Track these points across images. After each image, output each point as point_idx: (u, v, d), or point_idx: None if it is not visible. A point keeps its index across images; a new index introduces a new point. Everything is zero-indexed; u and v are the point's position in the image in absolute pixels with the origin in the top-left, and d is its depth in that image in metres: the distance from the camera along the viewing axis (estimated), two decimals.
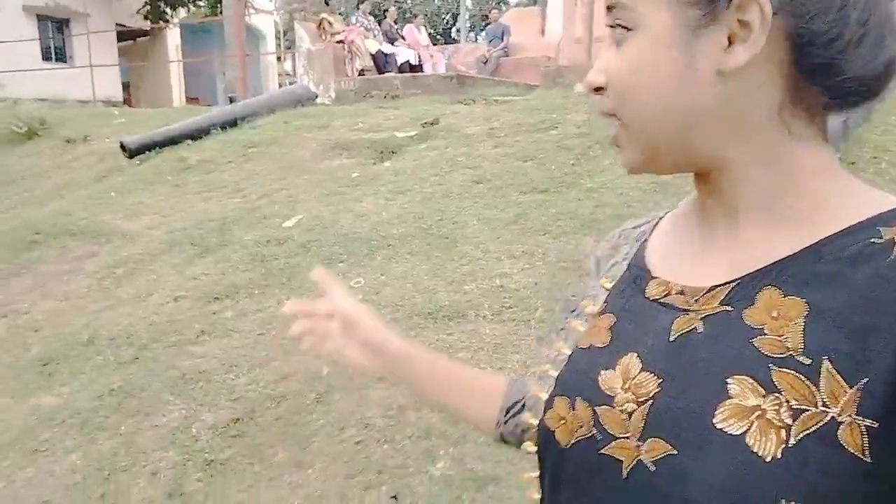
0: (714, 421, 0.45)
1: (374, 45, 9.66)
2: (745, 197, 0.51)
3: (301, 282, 3.43)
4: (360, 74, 9.51)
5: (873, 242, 0.46)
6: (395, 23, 10.59)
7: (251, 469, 2.35)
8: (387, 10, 11.03)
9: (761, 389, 0.45)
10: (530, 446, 0.62)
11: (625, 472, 0.50)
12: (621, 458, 0.50)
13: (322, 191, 4.84)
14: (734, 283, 0.50)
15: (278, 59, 21.40)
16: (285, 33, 23.42)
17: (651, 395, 0.50)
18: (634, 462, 0.49)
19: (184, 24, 18.95)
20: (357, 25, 9.86)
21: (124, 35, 17.74)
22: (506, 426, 0.74)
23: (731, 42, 0.47)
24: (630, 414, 0.51)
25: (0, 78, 13.39)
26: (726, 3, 0.47)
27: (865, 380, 0.42)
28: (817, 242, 0.48)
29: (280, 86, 17.75)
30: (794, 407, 0.43)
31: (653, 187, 3.79)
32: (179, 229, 4.41)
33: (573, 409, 0.56)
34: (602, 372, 0.55)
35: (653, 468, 0.48)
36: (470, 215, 3.96)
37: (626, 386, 0.52)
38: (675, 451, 0.47)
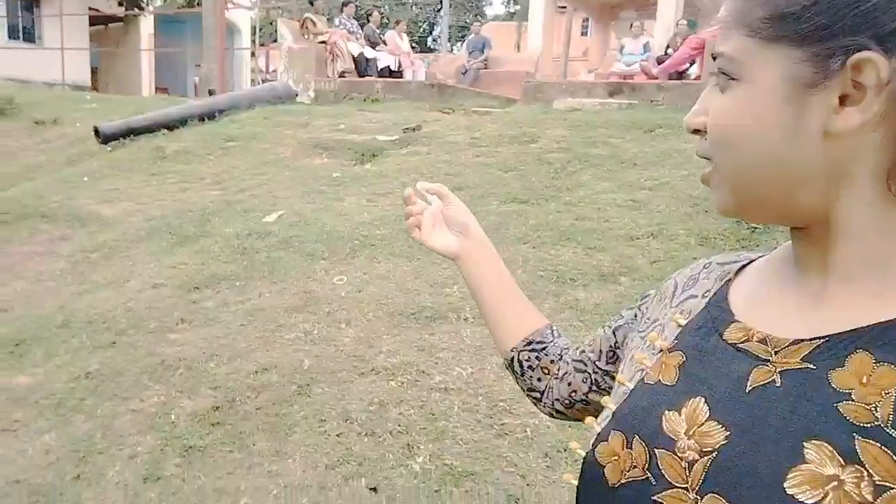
0: (785, 485, 0.43)
1: (356, 48, 9.70)
2: (846, 256, 0.49)
3: (284, 275, 3.45)
4: (340, 76, 9.54)
5: None
6: (378, 28, 10.65)
7: (230, 456, 2.36)
8: (370, 15, 11.08)
9: (840, 459, 0.42)
10: (570, 478, 0.60)
11: None
12: None
13: (303, 188, 4.86)
14: (822, 340, 0.48)
15: (252, 54, 21.22)
16: (260, 29, 23.22)
17: (717, 447, 0.48)
18: None
19: (158, 14, 18.67)
20: (340, 28, 9.90)
21: (97, 20, 17.39)
22: (518, 354, 0.80)
23: (842, 103, 0.46)
24: (691, 463, 0.49)
25: None
26: (840, 63, 0.45)
27: None
28: None
29: (252, 82, 17.60)
30: (877, 483, 0.40)
31: (630, 204, 3.93)
32: (157, 217, 4.37)
33: (629, 446, 0.54)
34: (666, 412, 0.53)
35: None
36: None
37: (691, 432, 0.50)
38: None
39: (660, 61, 9.22)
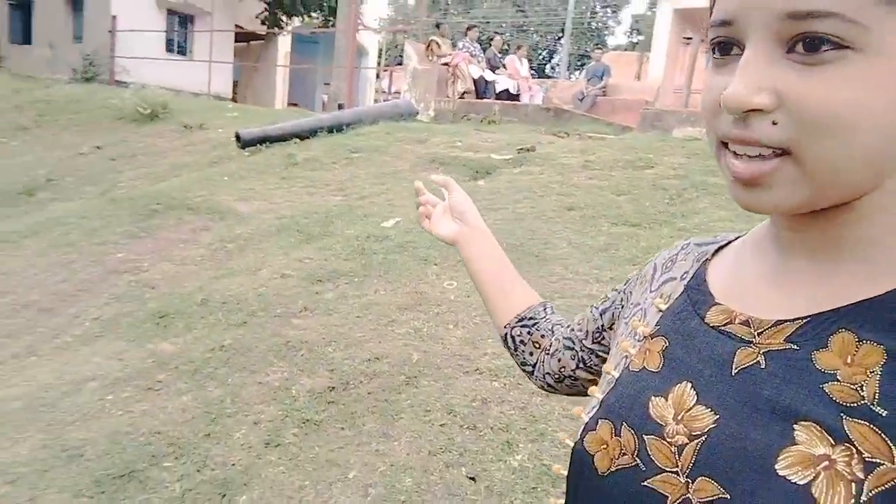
0: (776, 467, 0.43)
1: (476, 71, 10.00)
2: (858, 238, 0.47)
3: (398, 276, 3.66)
4: (460, 97, 9.86)
5: None
6: (499, 52, 10.92)
7: (342, 433, 2.55)
8: (492, 39, 11.38)
9: (830, 439, 0.42)
10: (560, 470, 0.59)
11: None
12: (666, 494, 0.48)
13: None
14: (804, 321, 0.47)
15: (377, 76, 22.27)
16: (386, 52, 24.35)
17: (706, 430, 0.48)
18: (681, 499, 0.47)
19: (294, 33, 20.05)
20: (463, 51, 10.24)
21: (241, 37, 18.91)
22: (511, 330, 0.85)
23: None
24: (681, 448, 0.48)
25: (126, 63, 14.55)
26: None
27: None
28: None
29: (375, 101, 18.44)
30: (867, 460, 0.41)
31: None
32: (287, 216, 4.74)
33: (617, 434, 0.53)
34: (653, 398, 0.53)
35: None
36: (560, 238, 4.11)
37: (679, 417, 0.50)
38: (728, 496, 0.44)
39: None
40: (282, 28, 19.18)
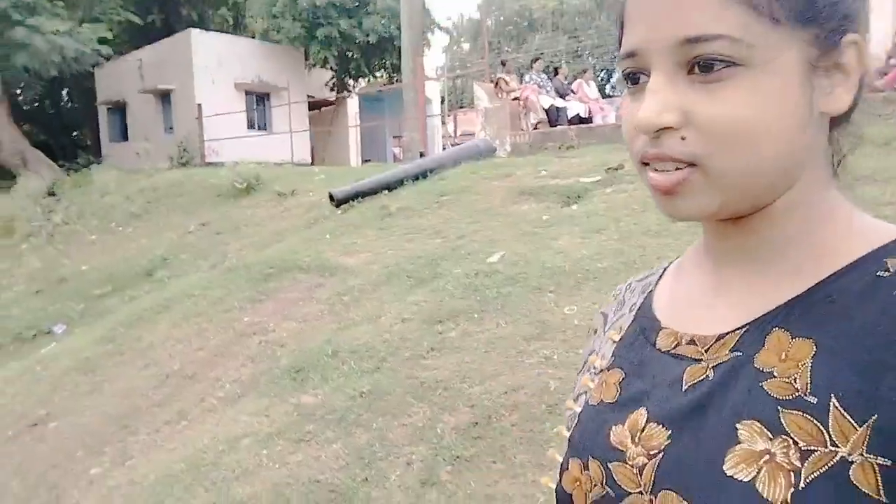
0: (724, 468, 0.44)
1: (547, 101, 10.09)
2: (776, 239, 0.50)
3: (515, 308, 3.69)
4: (534, 128, 9.95)
5: (879, 276, 0.45)
6: (566, 79, 10.99)
7: (494, 467, 2.57)
8: (557, 68, 11.48)
9: (769, 433, 0.44)
10: None
11: None
12: None
13: (516, 231, 5.15)
14: (743, 329, 0.50)
15: (442, 122, 22.85)
16: (449, 97, 24.95)
17: (661, 447, 0.49)
18: None
19: (361, 94, 20.93)
20: (531, 83, 10.37)
21: (313, 105, 19.91)
22: None
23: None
24: (641, 468, 0.50)
25: (214, 145, 15.59)
26: (834, 44, 0.47)
27: (875, 416, 0.40)
28: (825, 280, 0.47)
29: (443, 147, 18.88)
30: (802, 448, 0.42)
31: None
32: (393, 264, 4.89)
33: (586, 469, 0.55)
34: (613, 427, 0.55)
35: None
36: (672, 251, 4.03)
37: (637, 439, 0.52)
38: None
39: (882, 73, 8.42)
40: (350, 91, 20.07)
